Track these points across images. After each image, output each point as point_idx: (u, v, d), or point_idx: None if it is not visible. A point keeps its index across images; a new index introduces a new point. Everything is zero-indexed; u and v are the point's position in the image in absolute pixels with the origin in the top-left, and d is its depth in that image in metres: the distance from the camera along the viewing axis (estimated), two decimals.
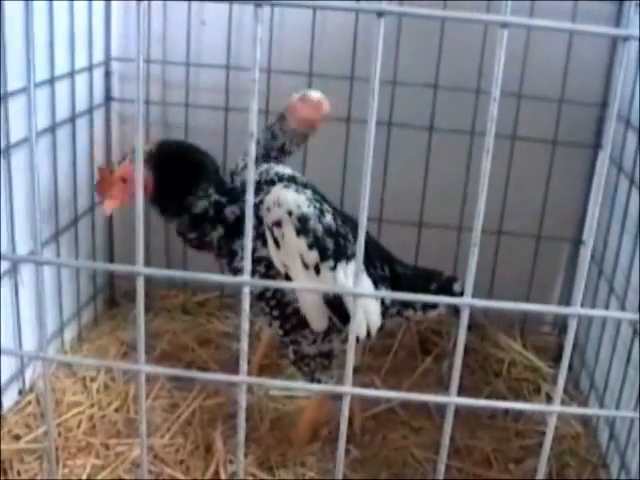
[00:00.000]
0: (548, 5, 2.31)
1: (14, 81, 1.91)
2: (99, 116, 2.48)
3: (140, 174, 0.82)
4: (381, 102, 0.77)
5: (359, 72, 2.44)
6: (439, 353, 2.47)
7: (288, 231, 1.77)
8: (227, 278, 0.86)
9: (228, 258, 1.90)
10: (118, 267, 0.87)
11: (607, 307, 2.20)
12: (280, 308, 1.88)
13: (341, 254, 1.81)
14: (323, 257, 1.79)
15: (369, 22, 2.37)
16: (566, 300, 2.61)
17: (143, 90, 0.79)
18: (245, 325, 0.84)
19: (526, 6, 2.31)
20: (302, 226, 1.77)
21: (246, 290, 0.82)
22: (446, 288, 2.02)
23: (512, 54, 2.40)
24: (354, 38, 2.42)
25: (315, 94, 1.99)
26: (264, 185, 1.87)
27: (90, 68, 2.37)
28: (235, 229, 1.87)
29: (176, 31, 2.50)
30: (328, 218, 1.81)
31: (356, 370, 1.98)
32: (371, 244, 1.95)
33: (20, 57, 1.90)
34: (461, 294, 0.84)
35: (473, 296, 0.83)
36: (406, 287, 1.96)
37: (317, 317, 1.86)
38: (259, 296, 1.87)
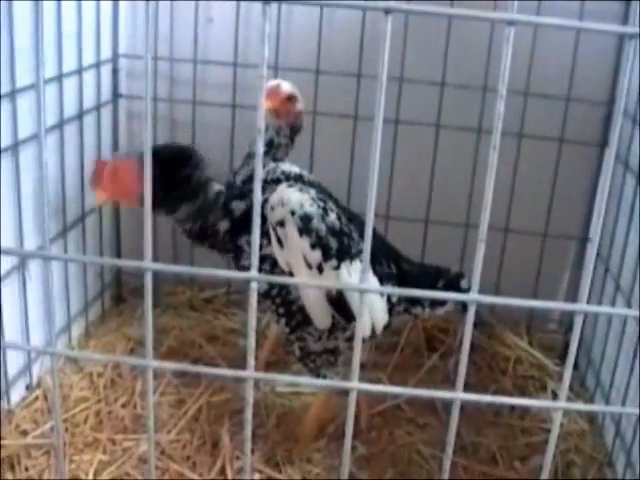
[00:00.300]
0: (555, 4, 2.31)
1: (21, 78, 1.92)
2: (107, 113, 2.48)
3: (148, 170, 0.83)
4: (388, 99, 0.78)
5: (366, 69, 2.44)
6: (445, 350, 2.47)
7: (291, 231, 1.78)
8: (234, 273, 0.87)
9: (234, 255, 1.91)
10: (126, 262, 0.87)
11: (613, 305, 2.20)
12: (285, 306, 1.89)
13: (345, 253, 1.81)
14: (326, 257, 1.79)
15: (376, 19, 2.38)
16: (573, 298, 2.60)
17: (151, 87, 0.79)
18: (252, 321, 0.84)
19: (533, 5, 2.31)
20: (305, 226, 1.77)
21: (254, 285, 0.82)
22: (453, 285, 2.01)
23: (519, 52, 2.40)
24: (361, 35, 2.42)
25: (271, 83, 2.00)
26: (270, 184, 1.88)
27: (98, 65, 2.38)
28: (241, 224, 1.88)
29: (183, 28, 2.51)
30: (332, 217, 1.81)
31: (362, 367, 1.98)
32: (377, 241, 1.95)
33: (27, 54, 1.91)
34: (468, 291, 0.84)
35: (480, 293, 0.84)
36: (413, 284, 1.96)
37: (320, 315, 1.86)
38: (265, 294, 1.88)
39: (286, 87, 1.99)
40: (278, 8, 2.43)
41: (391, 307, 1.93)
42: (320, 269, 1.79)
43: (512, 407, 2.25)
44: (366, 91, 2.45)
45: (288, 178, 1.93)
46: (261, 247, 1.82)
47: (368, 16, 2.41)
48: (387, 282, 1.93)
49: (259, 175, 0.81)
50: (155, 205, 1.85)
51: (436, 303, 2.00)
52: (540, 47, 2.39)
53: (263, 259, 1.84)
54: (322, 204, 1.81)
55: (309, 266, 1.79)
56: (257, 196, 0.81)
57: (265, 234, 1.81)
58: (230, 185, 1.97)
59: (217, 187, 1.90)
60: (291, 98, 2.00)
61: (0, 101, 1.85)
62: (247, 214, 1.88)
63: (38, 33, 0.82)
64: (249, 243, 1.87)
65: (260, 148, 0.80)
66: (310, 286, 1.85)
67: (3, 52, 1.85)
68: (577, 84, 2.42)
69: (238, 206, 1.88)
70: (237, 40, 2.48)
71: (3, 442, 1.91)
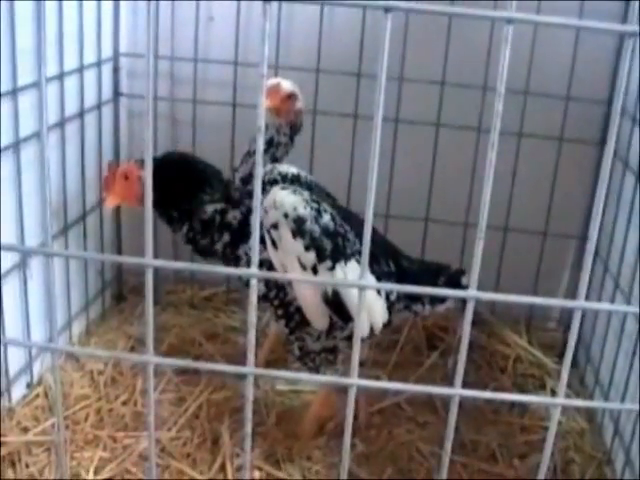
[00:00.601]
0: (555, 4, 2.31)
1: (22, 77, 1.92)
2: (107, 112, 2.49)
3: (149, 169, 0.83)
4: (388, 99, 0.78)
5: (366, 69, 2.45)
6: (445, 349, 2.48)
7: (285, 233, 1.79)
8: (235, 270, 0.88)
9: (233, 264, 1.92)
10: (127, 259, 0.88)
11: (613, 303, 2.21)
12: (283, 308, 1.90)
13: (339, 254, 1.82)
14: (321, 258, 1.80)
15: (377, 18, 2.38)
16: (572, 297, 2.60)
17: (152, 86, 0.80)
18: (253, 317, 0.85)
19: (533, 5, 2.31)
20: (298, 228, 1.78)
21: (254, 282, 0.83)
22: (454, 282, 2.00)
23: (519, 51, 2.40)
24: (361, 34, 2.42)
25: (271, 81, 2.00)
26: (267, 185, 1.88)
27: (99, 64, 2.38)
28: (238, 234, 1.91)
29: (184, 27, 2.51)
30: (326, 219, 1.82)
31: (362, 364, 1.99)
32: (376, 240, 1.95)
33: (29, 53, 1.91)
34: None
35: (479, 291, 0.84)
36: (413, 282, 1.95)
37: (317, 317, 1.87)
38: (263, 297, 1.89)
39: (286, 85, 2.00)
40: (279, 7, 2.43)
41: (391, 305, 1.93)
42: (315, 270, 1.80)
43: (512, 405, 2.26)
44: (366, 90, 2.46)
45: (285, 179, 1.93)
46: (259, 253, 1.83)
47: (368, 15, 2.42)
48: (385, 281, 1.93)
49: (259, 173, 0.81)
50: (166, 212, 1.92)
51: (436, 300, 1.99)
52: (540, 46, 2.39)
53: (260, 264, 1.84)
54: (316, 205, 1.82)
55: (304, 267, 1.80)
56: (257, 194, 0.82)
57: (261, 239, 1.81)
58: (228, 185, 1.99)
59: (213, 207, 1.92)
60: (291, 96, 2.00)
61: (0, 100, 1.85)
62: (243, 223, 1.91)
63: (40, 32, 0.82)
64: (247, 253, 1.90)
65: (260, 146, 0.81)
66: (308, 283, 1.85)
67: (5, 51, 1.86)
68: (577, 83, 2.42)
69: (235, 216, 1.91)
70: (238, 39, 2.48)
71: (4, 439, 1.91)
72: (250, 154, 2.01)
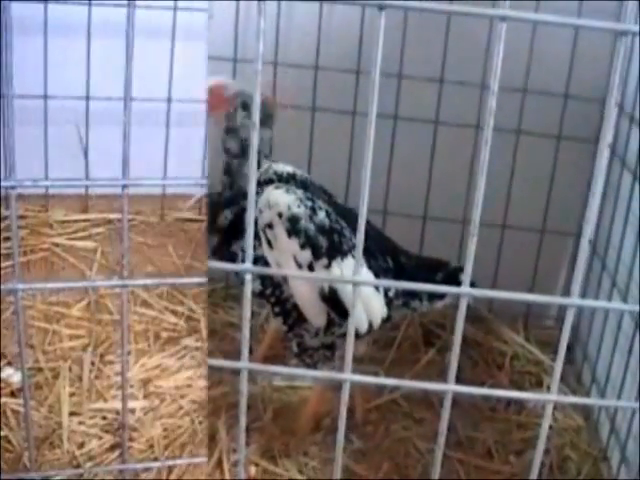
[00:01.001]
0: (555, 3, 2.31)
1: None
2: None
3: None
4: (387, 96, 0.79)
5: (365, 66, 2.45)
6: (442, 346, 2.47)
7: (280, 233, 1.79)
8: (230, 266, 0.88)
9: (229, 262, 1.93)
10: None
11: (610, 301, 2.21)
12: (280, 305, 1.90)
13: (336, 251, 1.82)
14: (316, 256, 1.80)
15: (375, 15, 2.38)
16: (570, 294, 2.60)
17: None
18: (247, 312, 0.85)
19: (532, 4, 2.30)
20: (293, 227, 1.79)
21: (248, 277, 0.83)
22: (453, 278, 1.99)
23: (517, 49, 2.40)
24: (360, 31, 2.42)
25: (211, 79, 1.94)
26: (263, 185, 1.88)
27: None
28: (230, 234, 1.91)
29: None
30: (321, 216, 1.82)
31: (359, 361, 1.99)
32: (373, 235, 1.95)
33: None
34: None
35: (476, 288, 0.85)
36: (411, 278, 1.95)
37: (315, 313, 1.87)
38: (259, 294, 1.89)
39: (215, 81, 1.92)
40: (277, 5, 2.43)
41: (389, 301, 1.93)
42: (311, 268, 1.80)
43: (508, 403, 2.26)
44: (365, 87, 2.45)
45: (280, 178, 1.93)
46: (254, 249, 1.84)
47: (367, 12, 2.42)
48: (383, 277, 1.93)
49: (253, 170, 0.82)
50: None
51: (435, 296, 1.99)
52: (538, 44, 2.39)
53: (255, 261, 1.84)
54: (310, 203, 1.82)
55: (299, 266, 1.80)
56: (252, 192, 0.82)
57: (257, 236, 1.82)
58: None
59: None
60: (222, 88, 1.92)
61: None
62: (235, 221, 1.92)
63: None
64: (243, 250, 1.90)
65: (255, 143, 0.81)
66: (303, 279, 1.86)
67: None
68: (575, 81, 2.42)
69: (226, 216, 1.92)
70: (236, 36, 2.48)
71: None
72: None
